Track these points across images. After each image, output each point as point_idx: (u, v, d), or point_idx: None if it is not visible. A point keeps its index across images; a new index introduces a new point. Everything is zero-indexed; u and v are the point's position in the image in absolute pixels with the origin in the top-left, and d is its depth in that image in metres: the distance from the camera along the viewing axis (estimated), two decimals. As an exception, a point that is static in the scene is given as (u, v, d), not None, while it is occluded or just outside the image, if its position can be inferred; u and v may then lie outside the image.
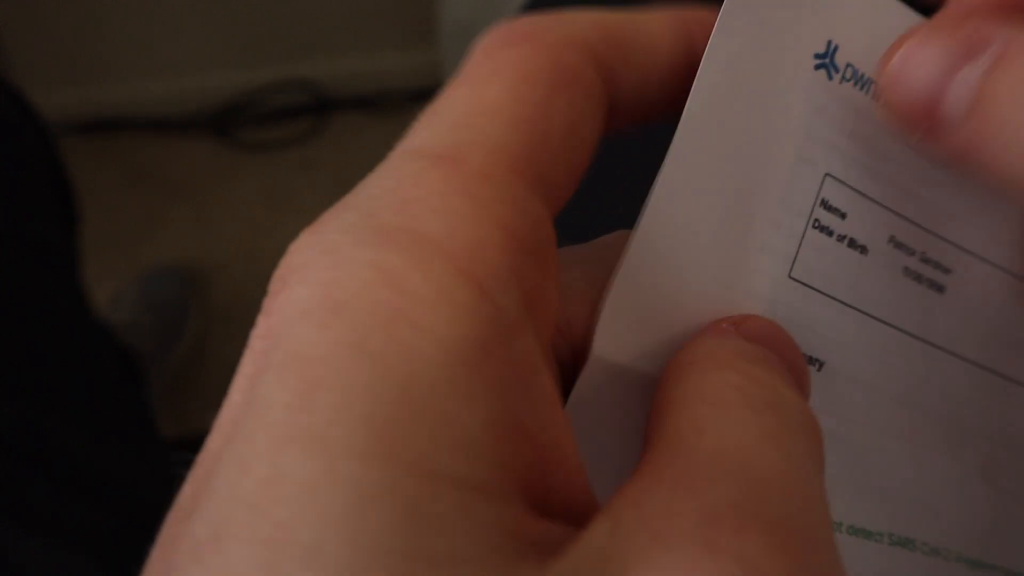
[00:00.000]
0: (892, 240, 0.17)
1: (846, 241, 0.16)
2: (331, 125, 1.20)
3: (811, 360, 0.17)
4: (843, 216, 0.16)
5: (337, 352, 0.11)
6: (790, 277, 0.16)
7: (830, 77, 0.16)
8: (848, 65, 0.16)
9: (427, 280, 0.11)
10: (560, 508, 0.12)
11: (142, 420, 0.53)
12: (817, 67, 0.16)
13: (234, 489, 0.10)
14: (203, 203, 1.13)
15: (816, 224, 0.16)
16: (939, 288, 0.18)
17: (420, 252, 0.12)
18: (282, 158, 1.16)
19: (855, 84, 0.16)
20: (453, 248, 0.12)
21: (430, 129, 0.13)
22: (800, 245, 0.16)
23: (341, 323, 0.11)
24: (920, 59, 0.15)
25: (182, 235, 1.10)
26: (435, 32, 1.15)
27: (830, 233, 0.16)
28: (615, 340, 0.14)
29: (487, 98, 0.13)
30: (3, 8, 1.07)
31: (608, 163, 0.20)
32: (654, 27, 0.15)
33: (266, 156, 1.17)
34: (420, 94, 1.20)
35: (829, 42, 0.16)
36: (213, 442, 0.12)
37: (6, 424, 0.41)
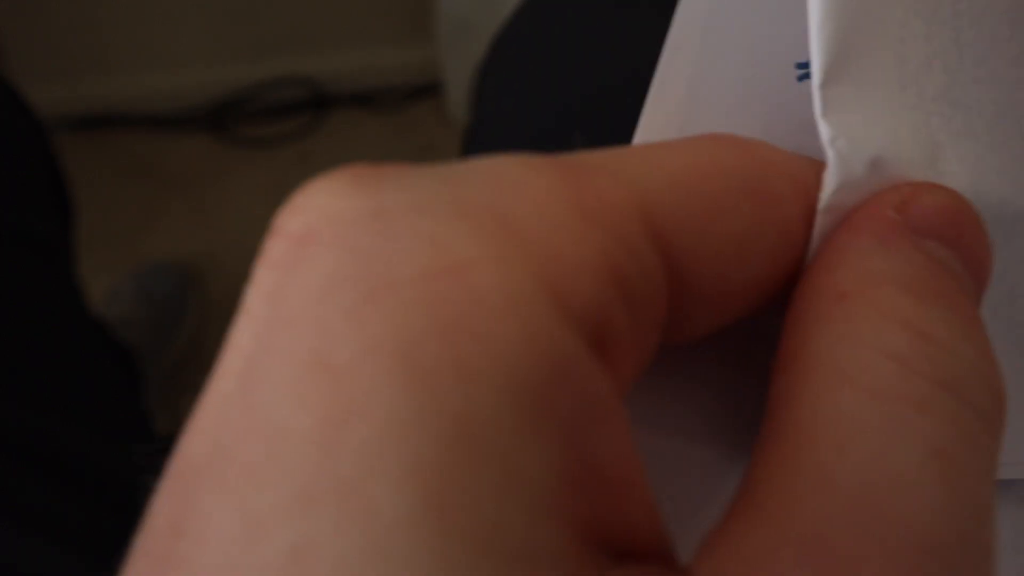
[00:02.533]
0: None
1: None
2: (329, 121, 1.19)
3: None
4: None
5: (376, 362, 0.08)
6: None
7: None
8: None
9: (502, 280, 0.09)
10: (632, 549, 0.10)
11: (138, 416, 0.52)
12: None
13: (246, 556, 0.08)
14: (200, 198, 1.13)
15: None
16: None
17: (501, 242, 0.09)
18: (280, 153, 1.16)
19: None
20: (542, 251, 0.09)
21: (569, 155, 0.11)
22: None
23: (382, 318, 0.08)
24: None
25: (179, 230, 1.09)
26: (433, 28, 1.15)
27: None
28: None
29: (659, 155, 0.11)
30: (0, 3, 1.07)
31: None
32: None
33: (264, 152, 1.17)
34: (418, 90, 1.20)
35: None
36: (196, 447, 0.09)
37: (1, 421, 0.41)
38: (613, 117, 0.25)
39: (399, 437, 0.08)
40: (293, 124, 1.19)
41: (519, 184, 0.10)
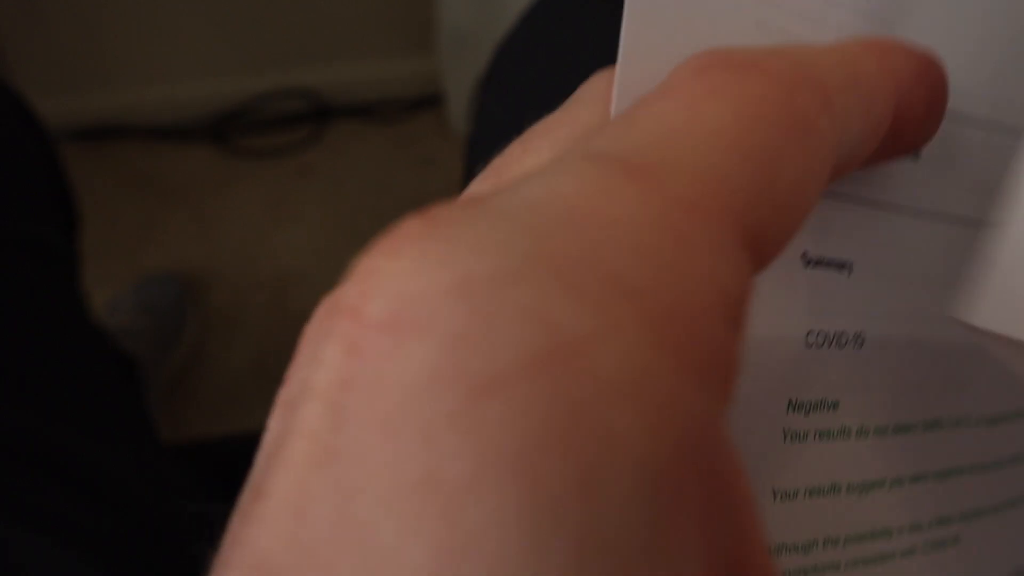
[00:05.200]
0: None
1: None
2: (329, 132, 1.20)
3: (840, 265, 0.15)
4: None
5: (492, 484, 0.07)
6: None
7: None
8: None
9: (620, 355, 0.08)
10: None
11: (140, 424, 0.53)
12: None
13: None
14: (201, 210, 1.13)
15: None
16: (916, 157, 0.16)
17: (611, 306, 0.08)
18: (280, 165, 1.17)
19: None
20: (660, 312, 0.08)
21: (622, 136, 0.10)
22: None
23: (492, 424, 0.07)
24: None
25: (180, 241, 1.10)
26: (434, 40, 1.15)
27: None
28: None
29: (705, 117, 0.10)
30: (4, 15, 1.07)
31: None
32: (872, 67, 0.12)
33: (264, 163, 1.17)
34: (418, 102, 1.21)
35: None
36: (269, 540, 0.08)
37: (6, 427, 0.41)
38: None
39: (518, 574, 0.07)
40: (294, 136, 1.19)
41: (609, 221, 0.09)
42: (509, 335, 0.08)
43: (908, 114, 0.13)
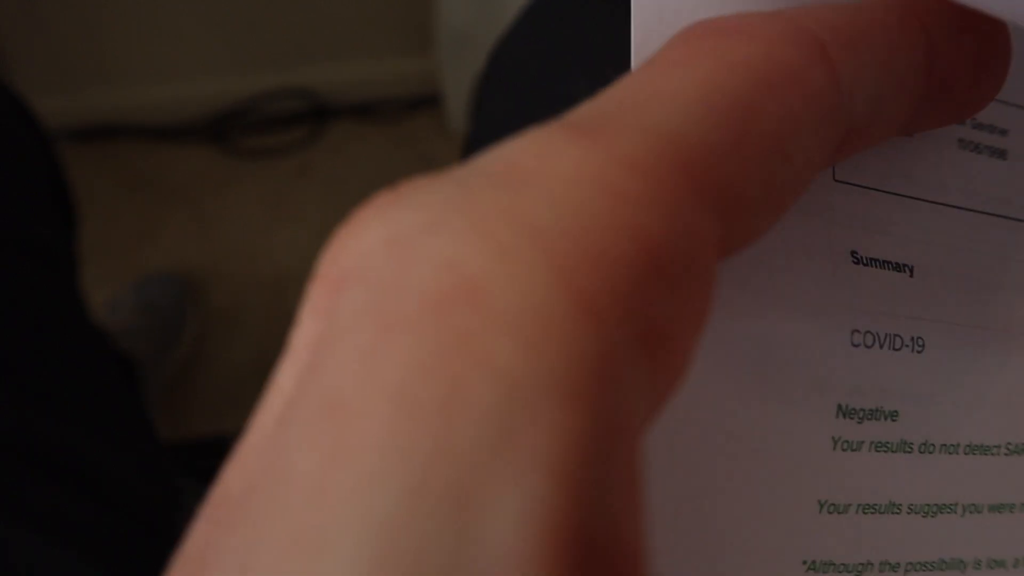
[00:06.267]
0: None
1: None
2: (328, 132, 1.20)
3: (899, 267, 0.14)
4: None
5: (376, 402, 0.08)
6: (835, 180, 0.14)
7: None
8: None
9: (514, 290, 0.08)
10: None
11: (139, 424, 0.53)
12: None
13: None
14: (200, 209, 1.13)
15: None
16: (1001, 154, 0.15)
17: (517, 249, 0.08)
18: (279, 165, 1.17)
19: None
20: (564, 251, 0.09)
21: (587, 105, 0.10)
22: None
23: (390, 354, 0.08)
24: None
25: (179, 241, 1.10)
26: (433, 40, 1.15)
27: None
28: None
29: (672, 79, 0.10)
30: (3, 13, 1.07)
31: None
32: (891, 20, 0.11)
33: (264, 163, 1.17)
34: (417, 102, 1.21)
35: None
36: (233, 481, 0.09)
37: (5, 426, 0.41)
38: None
39: (371, 483, 0.08)
40: (293, 135, 1.19)
41: (541, 176, 0.09)
42: (420, 278, 0.08)
43: (949, 72, 0.12)
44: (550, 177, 0.09)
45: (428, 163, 1.16)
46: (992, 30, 0.12)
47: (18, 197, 0.50)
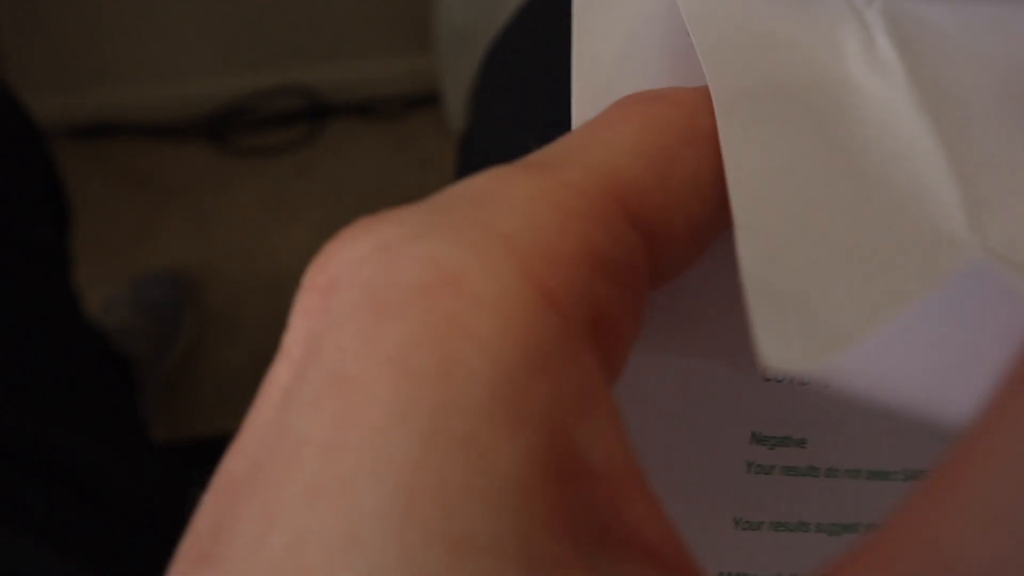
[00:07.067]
0: None
1: None
2: (327, 131, 1.20)
3: None
4: None
5: (379, 372, 0.09)
6: None
7: None
8: None
9: (489, 279, 0.10)
10: (632, 547, 0.10)
11: (135, 425, 0.53)
12: None
13: (260, 548, 0.09)
14: (198, 208, 1.13)
15: None
16: None
17: (488, 248, 0.10)
18: (278, 164, 1.17)
19: None
20: (527, 250, 0.10)
21: (538, 152, 0.12)
22: None
23: (387, 333, 0.10)
24: None
25: (177, 240, 1.10)
26: (432, 38, 1.15)
27: None
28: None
29: (611, 131, 0.12)
30: (1, 13, 1.07)
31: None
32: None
33: (262, 162, 1.17)
34: (416, 100, 1.21)
35: None
36: (236, 465, 0.10)
37: (0, 427, 0.41)
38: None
39: (385, 434, 0.09)
40: (291, 134, 1.19)
41: (503, 197, 0.11)
42: (407, 273, 0.10)
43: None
44: (512, 197, 0.11)
45: (427, 161, 1.16)
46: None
47: (11, 196, 0.50)
